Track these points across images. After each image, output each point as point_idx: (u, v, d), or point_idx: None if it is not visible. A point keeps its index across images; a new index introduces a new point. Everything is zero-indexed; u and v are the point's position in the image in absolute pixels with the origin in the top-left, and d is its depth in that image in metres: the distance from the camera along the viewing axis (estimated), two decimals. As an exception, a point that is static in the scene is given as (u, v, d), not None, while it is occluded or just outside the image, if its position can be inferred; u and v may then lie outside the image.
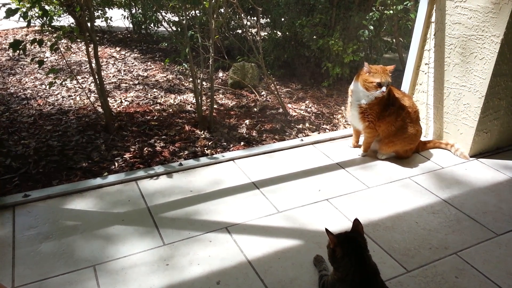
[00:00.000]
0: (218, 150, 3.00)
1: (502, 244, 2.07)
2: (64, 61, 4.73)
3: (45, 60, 4.79)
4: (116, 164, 2.76)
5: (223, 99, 3.98)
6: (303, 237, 2.06)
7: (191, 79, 4.00)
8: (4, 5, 3.07)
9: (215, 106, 3.69)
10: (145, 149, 2.95)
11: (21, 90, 3.99)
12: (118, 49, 5.43)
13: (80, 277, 1.79)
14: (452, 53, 2.78)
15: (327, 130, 3.48)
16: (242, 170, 2.64)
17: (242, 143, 3.13)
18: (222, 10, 4.07)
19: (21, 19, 2.88)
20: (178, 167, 2.62)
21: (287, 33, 4.60)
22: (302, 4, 4.48)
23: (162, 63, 4.91)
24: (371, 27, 3.92)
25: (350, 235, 1.57)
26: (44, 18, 3.07)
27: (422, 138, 2.94)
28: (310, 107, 3.88)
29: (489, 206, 2.36)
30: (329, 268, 1.77)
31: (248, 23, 4.91)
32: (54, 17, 5.43)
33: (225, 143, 3.10)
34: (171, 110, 3.65)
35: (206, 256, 1.93)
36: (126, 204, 2.27)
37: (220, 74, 4.64)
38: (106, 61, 4.93)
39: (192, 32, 4.06)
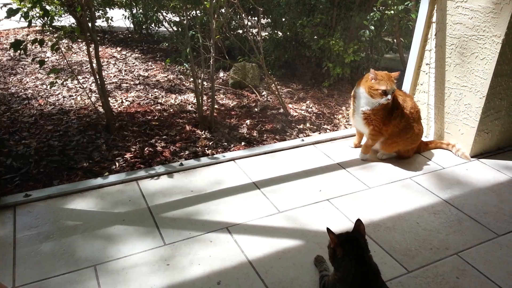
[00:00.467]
0: (219, 150, 3.00)
1: (503, 244, 2.07)
2: (65, 61, 4.73)
3: (46, 60, 4.79)
4: (117, 164, 2.76)
5: (224, 99, 3.98)
6: (304, 237, 2.06)
7: (192, 79, 4.00)
8: (5, 5, 3.08)
9: (216, 106, 3.69)
10: (146, 149, 2.95)
11: (22, 90, 3.99)
12: (119, 49, 5.44)
13: (80, 277, 1.79)
14: (453, 53, 2.78)
15: (327, 130, 3.48)
16: (243, 170, 2.64)
17: (243, 143, 3.13)
18: (223, 10, 4.07)
19: (22, 19, 2.89)
20: (179, 167, 2.62)
21: (288, 33, 4.60)
22: (303, 4, 4.48)
23: (163, 63, 4.91)
24: (372, 27, 3.91)
25: (351, 235, 1.56)
26: (45, 18, 3.07)
27: (423, 139, 2.94)
28: (311, 107, 3.88)
29: (490, 206, 2.36)
30: (329, 268, 1.77)
31: (249, 23, 4.90)
32: (55, 17, 5.43)
33: (225, 143, 3.10)
34: (172, 110, 3.65)
35: (206, 256, 1.93)
36: (126, 204, 2.27)
37: (221, 74, 4.64)
38: (107, 61, 4.94)
39: (193, 32, 4.06)
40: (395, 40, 4.42)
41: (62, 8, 5.42)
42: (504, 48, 2.52)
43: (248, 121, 3.48)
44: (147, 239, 2.02)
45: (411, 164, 2.78)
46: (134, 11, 5.78)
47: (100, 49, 4.72)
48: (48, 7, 4.81)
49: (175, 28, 4.90)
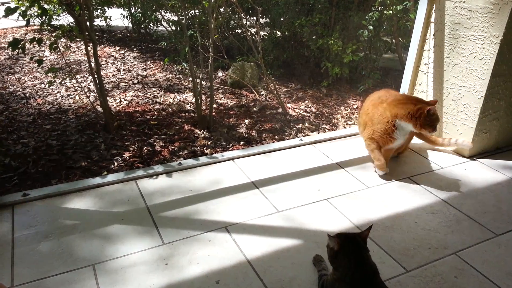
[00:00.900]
0: (218, 149, 3.00)
1: (502, 244, 2.07)
2: (64, 60, 4.72)
3: (44, 59, 4.78)
4: (116, 163, 2.76)
5: (223, 98, 3.98)
6: (303, 236, 2.06)
7: (190, 78, 4.00)
8: (3, 3, 3.07)
9: (214, 106, 3.69)
10: (144, 148, 2.95)
11: (20, 89, 3.98)
12: (117, 48, 5.43)
13: (79, 276, 1.79)
14: (452, 53, 2.78)
15: (326, 130, 3.48)
16: (242, 169, 2.64)
17: (241, 142, 3.13)
18: (221, 9, 4.07)
19: (20, 18, 2.88)
20: (178, 166, 2.62)
21: (287, 32, 4.61)
22: (302, 4, 4.48)
23: (162, 63, 4.90)
24: (371, 27, 3.92)
25: (350, 235, 1.57)
26: (43, 17, 3.06)
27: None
28: (310, 107, 3.88)
29: (489, 206, 2.36)
30: (328, 267, 1.77)
31: (248, 22, 4.91)
32: (53, 16, 5.43)
33: (224, 143, 3.10)
34: (170, 109, 3.64)
35: (205, 255, 1.92)
36: (125, 204, 2.27)
37: (220, 74, 4.63)
38: (106, 60, 4.93)
39: (192, 32, 4.06)
40: (393, 40, 4.43)
41: (60, 7, 5.42)
42: (502, 48, 2.53)
43: (246, 121, 3.48)
44: (145, 239, 2.01)
45: (410, 164, 2.78)
46: (133, 11, 5.78)
47: (98, 48, 4.72)
48: (46, 6, 4.80)
49: (173, 28, 4.90)
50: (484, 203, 2.38)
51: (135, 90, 4.07)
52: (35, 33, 5.79)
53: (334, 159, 2.81)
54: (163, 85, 4.25)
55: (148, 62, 4.94)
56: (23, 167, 2.69)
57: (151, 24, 5.76)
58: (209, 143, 3.07)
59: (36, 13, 4.74)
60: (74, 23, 3.06)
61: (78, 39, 5.41)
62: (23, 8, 3.05)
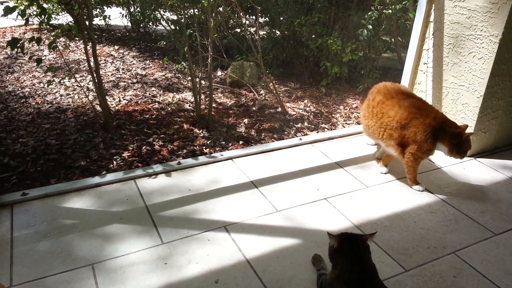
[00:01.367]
0: (217, 149, 3.00)
1: (500, 243, 2.08)
2: (63, 59, 4.71)
3: (43, 58, 4.77)
4: (115, 162, 2.76)
5: (222, 98, 3.98)
6: (302, 236, 2.06)
7: (189, 77, 3.99)
8: (2, 3, 3.06)
9: (213, 105, 3.68)
10: (143, 147, 2.95)
11: (19, 89, 3.98)
12: (116, 47, 5.42)
13: (78, 275, 1.79)
14: (451, 52, 2.78)
15: (325, 129, 3.48)
16: (241, 169, 2.64)
17: (240, 142, 3.13)
18: (221, 8, 4.06)
19: (19, 17, 2.87)
20: (177, 166, 2.62)
21: (286, 32, 4.60)
22: (301, 3, 4.48)
23: (161, 62, 4.90)
24: (370, 26, 3.92)
25: (352, 235, 1.57)
26: (42, 16, 3.06)
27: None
28: (309, 106, 3.88)
29: (487, 205, 2.37)
30: (327, 267, 1.77)
31: (247, 22, 4.90)
32: (52, 15, 5.41)
33: (223, 142, 3.10)
34: (169, 108, 3.64)
35: (204, 255, 1.92)
36: (124, 203, 2.27)
37: (219, 73, 4.63)
38: (105, 60, 4.92)
39: (191, 31, 4.06)
40: (393, 39, 4.42)
41: (59, 6, 5.41)
42: (501, 48, 2.53)
43: (246, 120, 3.48)
44: (144, 238, 2.01)
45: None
46: (132, 10, 5.77)
47: (97, 47, 4.71)
48: (45, 5, 4.79)
49: (172, 27, 4.89)
50: (483, 203, 2.39)
51: (134, 89, 4.06)
52: (34, 32, 5.78)
53: (333, 158, 2.81)
54: (162, 84, 4.24)
55: (147, 61, 4.94)
56: (22, 167, 2.68)
57: (150, 23, 5.75)
58: (208, 142, 3.07)
59: (35, 12, 4.74)
60: (73, 22, 3.06)
61: (77, 38, 5.40)
62: (22, 7, 3.04)
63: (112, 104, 3.67)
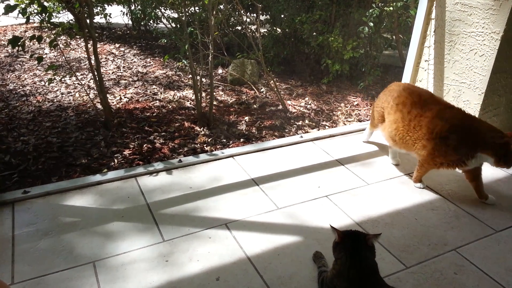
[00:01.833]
0: (218, 146, 3.00)
1: (501, 240, 2.07)
2: (63, 57, 4.72)
3: (44, 56, 4.78)
4: (116, 160, 2.76)
5: (223, 95, 3.98)
6: (303, 233, 2.07)
7: (190, 75, 3.99)
8: (3, 1, 3.07)
9: (214, 103, 3.68)
10: (144, 145, 2.95)
11: (20, 87, 3.98)
12: (117, 45, 5.42)
13: (79, 273, 1.79)
14: (452, 50, 2.78)
15: (326, 127, 3.48)
16: (242, 166, 2.64)
17: (241, 139, 3.13)
18: (221, 6, 4.06)
19: (20, 15, 2.87)
20: (178, 163, 2.62)
21: (287, 29, 4.60)
22: (302, 1, 4.47)
23: (162, 60, 4.90)
24: (371, 24, 3.91)
25: (355, 232, 1.57)
26: (43, 14, 3.06)
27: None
28: (310, 104, 3.88)
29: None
30: (328, 264, 1.78)
31: (248, 19, 4.90)
32: (53, 14, 5.42)
33: (224, 140, 3.10)
34: (170, 106, 3.64)
35: (205, 252, 1.93)
36: (125, 201, 2.27)
37: (220, 71, 4.63)
38: (105, 58, 4.92)
39: (192, 29, 4.06)
40: (394, 37, 4.42)
41: (60, 5, 5.40)
42: (503, 45, 2.52)
43: (247, 118, 3.48)
44: (146, 236, 2.02)
45: (409, 160, 2.78)
46: (133, 8, 5.77)
47: (98, 45, 4.71)
48: (46, 4, 4.79)
49: (173, 25, 4.89)
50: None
51: (135, 87, 4.06)
52: (35, 31, 5.78)
53: (334, 156, 2.81)
54: (163, 82, 4.24)
55: (148, 59, 4.94)
56: (23, 165, 2.69)
57: (151, 21, 5.74)
58: (209, 140, 3.07)
59: (36, 11, 4.74)
60: (74, 20, 3.06)
61: (78, 37, 5.40)
62: (23, 6, 3.04)
63: (113, 102, 3.67)
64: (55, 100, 3.70)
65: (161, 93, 3.94)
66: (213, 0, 3.17)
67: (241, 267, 1.85)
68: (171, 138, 3.09)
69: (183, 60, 4.57)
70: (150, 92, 3.96)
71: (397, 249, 1.98)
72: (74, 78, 4.13)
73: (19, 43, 2.60)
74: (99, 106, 3.40)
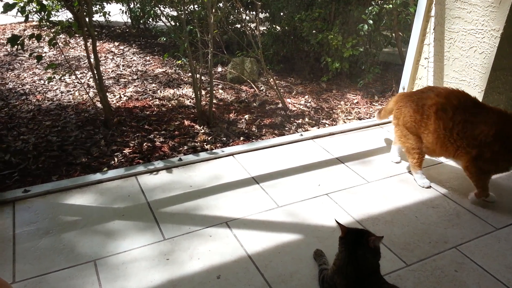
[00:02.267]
0: (218, 145, 3.00)
1: (501, 238, 2.08)
2: (63, 56, 4.71)
3: (43, 55, 4.77)
4: (116, 159, 2.76)
5: (222, 94, 3.97)
6: (303, 231, 2.07)
7: (190, 74, 3.99)
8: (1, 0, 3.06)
9: (214, 101, 3.68)
10: (144, 144, 2.95)
11: (20, 86, 3.98)
12: (116, 44, 5.42)
13: (80, 272, 1.79)
14: (452, 47, 2.77)
15: (326, 125, 3.48)
16: (242, 165, 2.64)
17: (241, 138, 3.13)
18: (221, 4, 4.05)
19: (19, 14, 2.87)
20: (178, 162, 2.62)
21: (286, 27, 4.59)
22: (301, -2, 4.47)
23: (161, 58, 4.89)
24: (371, 21, 3.90)
25: (360, 230, 1.58)
26: (42, 13, 3.05)
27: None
28: (310, 102, 3.88)
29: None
30: (328, 262, 1.78)
31: (247, 17, 4.89)
32: (52, 12, 5.40)
33: (224, 138, 3.10)
34: (170, 105, 3.64)
35: (206, 250, 1.93)
36: (126, 199, 2.27)
37: (219, 69, 4.62)
38: (105, 56, 4.92)
39: (191, 27, 4.05)
40: (393, 34, 4.41)
41: (59, 3, 5.39)
42: (502, 42, 2.52)
43: (246, 116, 3.48)
44: (146, 234, 2.02)
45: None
46: (132, 6, 5.75)
47: (97, 44, 4.70)
48: (45, 2, 4.78)
49: (172, 23, 4.88)
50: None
51: (135, 85, 4.06)
52: (34, 29, 5.77)
53: (334, 154, 2.81)
54: (163, 80, 4.24)
55: (148, 58, 4.93)
56: (24, 164, 2.69)
57: (150, 20, 5.73)
58: (209, 138, 3.07)
59: (34, 9, 4.73)
60: (73, 18, 3.05)
61: (77, 35, 5.40)
62: (22, 4, 3.03)
63: (113, 101, 3.66)
64: (54, 98, 3.70)
65: (160, 92, 3.93)
66: (213, -2, 3.16)
67: (242, 265, 1.85)
68: (171, 136, 3.09)
69: (183, 58, 4.56)
70: (149, 90, 3.96)
71: (398, 247, 1.99)
72: (73, 77, 4.13)
73: (18, 42, 2.60)
74: (98, 104, 3.40)
